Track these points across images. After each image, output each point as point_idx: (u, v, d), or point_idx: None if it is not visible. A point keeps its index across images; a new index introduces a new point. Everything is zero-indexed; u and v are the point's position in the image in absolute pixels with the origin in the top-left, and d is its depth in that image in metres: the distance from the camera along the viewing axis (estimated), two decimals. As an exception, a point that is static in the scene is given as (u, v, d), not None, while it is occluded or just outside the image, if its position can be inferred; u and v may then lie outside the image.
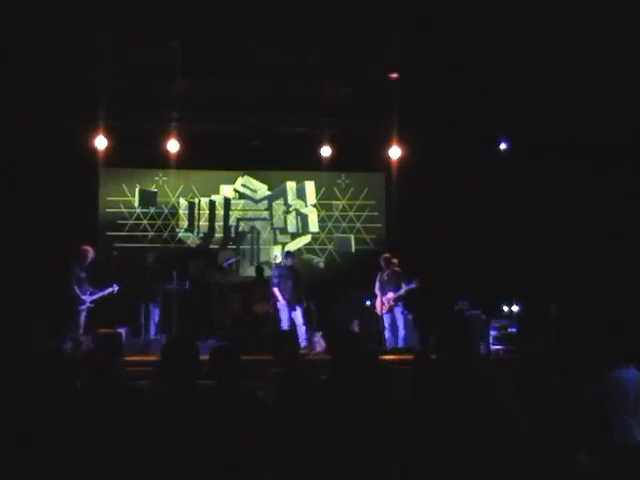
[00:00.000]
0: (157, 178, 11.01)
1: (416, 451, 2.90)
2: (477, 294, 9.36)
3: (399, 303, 9.10)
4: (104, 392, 3.23)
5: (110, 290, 8.81)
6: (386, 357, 8.33)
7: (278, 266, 9.42)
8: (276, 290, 9.01)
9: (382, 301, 9.13)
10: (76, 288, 8.53)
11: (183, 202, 11.08)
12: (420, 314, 9.24)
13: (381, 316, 9.18)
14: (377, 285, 9.19)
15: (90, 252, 8.74)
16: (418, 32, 7.38)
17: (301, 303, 9.09)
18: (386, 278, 9.15)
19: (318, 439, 2.98)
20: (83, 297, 8.59)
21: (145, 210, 10.90)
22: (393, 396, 3.17)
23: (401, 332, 9.02)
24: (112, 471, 2.96)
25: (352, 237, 11.27)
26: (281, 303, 8.99)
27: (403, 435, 2.93)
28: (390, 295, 9.06)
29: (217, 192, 11.22)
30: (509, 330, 9.01)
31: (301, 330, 8.95)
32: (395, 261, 9.29)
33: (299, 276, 9.23)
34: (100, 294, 8.76)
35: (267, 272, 10.12)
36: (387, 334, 9.10)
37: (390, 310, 9.11)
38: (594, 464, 3.18)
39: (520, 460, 2.88)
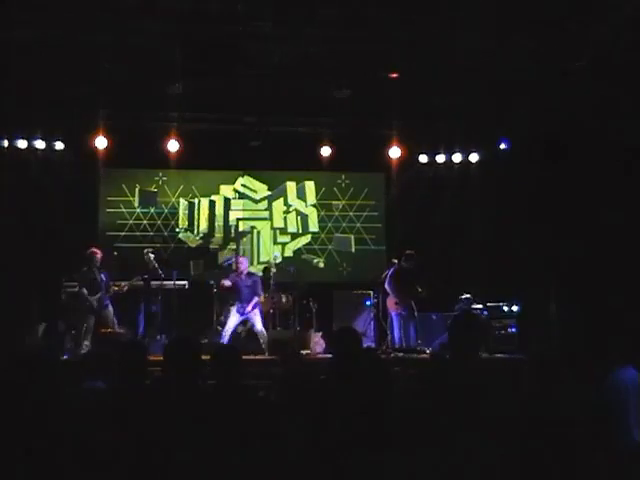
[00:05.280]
0: (157, 178, 11.00)
1: (418, 451, 2.90)
2: (477, 294, 9.38)
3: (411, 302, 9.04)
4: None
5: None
6: (394, 356, 8.42)
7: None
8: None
9: (398, 299, 9.04)
10: (84, 290, 8.51)
11: (183, 202, 11.07)
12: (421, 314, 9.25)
13: (391, 315, 9.12)
14: (390, 282, 9.08)
15: (99, 254, 8.73)
16: (418, 32, 7.38)
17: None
18: (405, 275, 9.03)
19: (319, 439, 2.98)
20: (92, 298, 8.56)
21: (145, 210, 10.90)
22: (394, 395, 3.17)
23: (412, 331, 8.96)
24: (111, 470, 2.96)
25: (352, 237, 11.27)
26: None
27: (405, 434, 2.93)
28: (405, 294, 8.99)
29: (217, 192, 11.22)
30: (509, 330, 9.02)
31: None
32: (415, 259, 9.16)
33: None
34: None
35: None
36: (397, 333, 9.02)
37: (404, 309, 9.04)
38: (595, 464, 3.18)
39: (521, 460, 2.88)
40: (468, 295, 9.32)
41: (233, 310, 8.90)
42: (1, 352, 5.91)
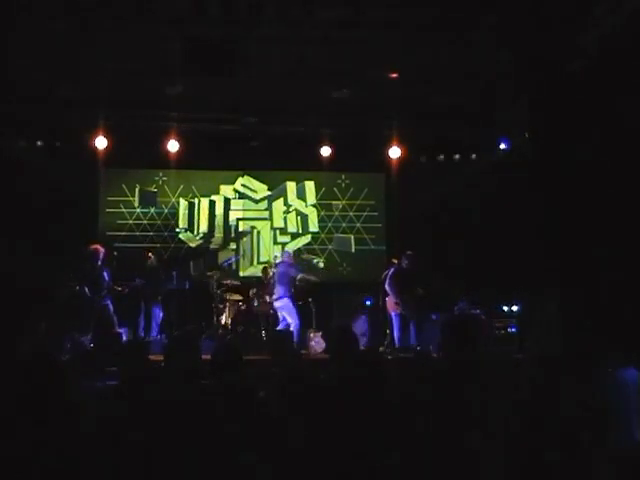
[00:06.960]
0: (157, 178, 11.02)
1: (417, 451, 2.90)
2: (477, 294, 9.37)
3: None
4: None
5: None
6: (394, 356, 8.42)
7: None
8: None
9: (398, 300, 9.04)
10: (87, 289, 8.46)
11: (183, 202, 11.08)
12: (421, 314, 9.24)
13: (391, 315, 9.13)
14: (390, 283, 9.08)
15: (101, 251, 8.63)
16: (418, 32, 7.38)
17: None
18: (405, 276, 9.03)
19: (319, 439, 2.98)
20: (95, 295, 8.53)
21: (145, 210, 10.91)
22: (394, 395, 3.17)
23: (412, 331, 8.96)
24: (112, 470, 2.96)
25: (352, 237, 11.28)
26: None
27: (404, 434, 2.93)
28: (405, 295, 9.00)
29: (217, 192, 11.22)
30: (509, 330, 9.02)
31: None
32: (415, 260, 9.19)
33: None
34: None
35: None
36: (397, 333, 9.00)
37: (404, 309, 9.01)
38: (595, 464, 3.18)
39: (521, 460, 2.88)
40: (468, 295, 9.31)
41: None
42: (1, 352, 5.90)
